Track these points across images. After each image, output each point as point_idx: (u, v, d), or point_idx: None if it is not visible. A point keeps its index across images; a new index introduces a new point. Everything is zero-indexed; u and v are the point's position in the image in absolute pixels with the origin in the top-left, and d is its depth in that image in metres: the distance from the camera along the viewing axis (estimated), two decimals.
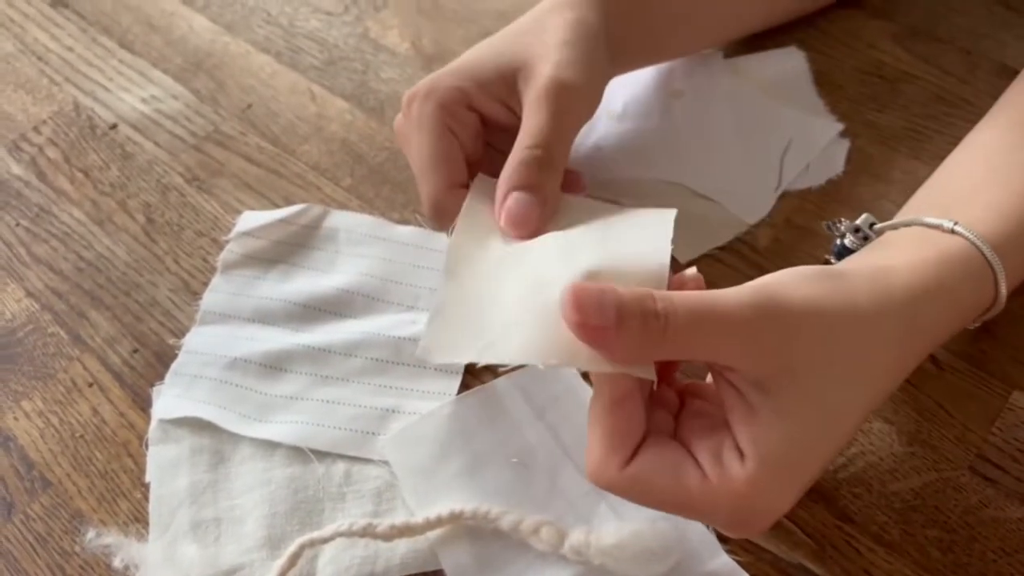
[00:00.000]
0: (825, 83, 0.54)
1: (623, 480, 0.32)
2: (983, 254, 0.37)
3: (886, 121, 0.52)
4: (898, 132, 0.52)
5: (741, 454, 0.32)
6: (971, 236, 0.38)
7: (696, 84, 0.54)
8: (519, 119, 0.41)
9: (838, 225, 0.43)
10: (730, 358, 0.32)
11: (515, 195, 0.39)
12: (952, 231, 0.38)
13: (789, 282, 0.33)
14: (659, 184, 0.50)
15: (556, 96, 0.40)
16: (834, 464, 0.40)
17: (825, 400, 0.32)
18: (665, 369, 0.36)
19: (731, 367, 0.32)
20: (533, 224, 0.39)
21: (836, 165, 0.50)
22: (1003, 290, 0.38)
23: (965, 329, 0.42)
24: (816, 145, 0.51)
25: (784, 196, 0.50)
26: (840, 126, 0.52)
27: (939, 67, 0.55)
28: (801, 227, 0.48)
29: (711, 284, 0.34)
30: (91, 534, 0.40)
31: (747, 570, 0.37)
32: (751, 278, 0.34)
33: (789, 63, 0.55)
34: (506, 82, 0.42)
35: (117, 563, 0.39)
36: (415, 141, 0.42)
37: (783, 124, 0.52)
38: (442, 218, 0.42)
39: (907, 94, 0.53)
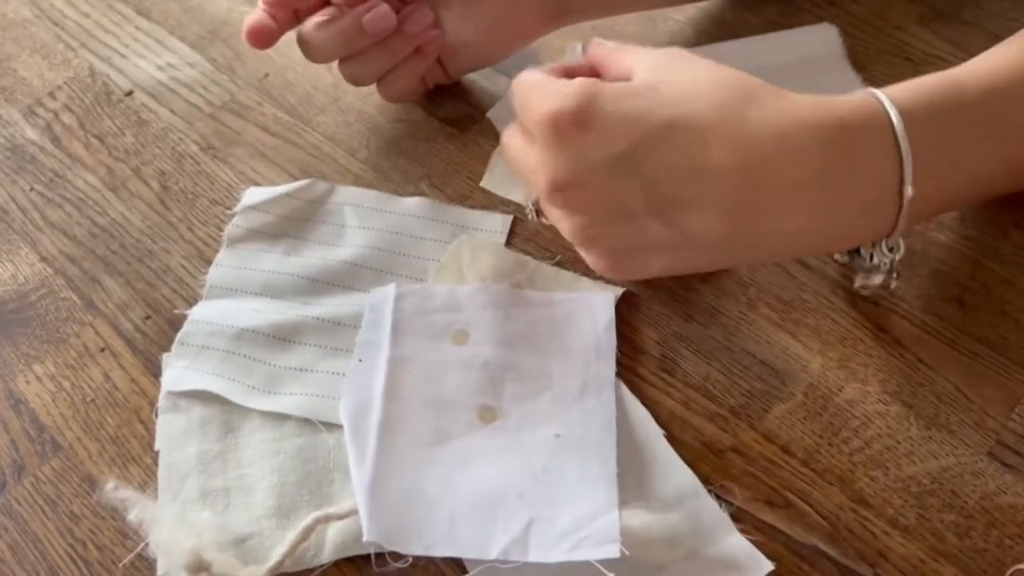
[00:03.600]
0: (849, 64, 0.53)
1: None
2: (879, 101, 0.37)
3: None
4: None
5: None
6: (874, 90, 0.37)
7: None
8: None
9: None
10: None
11: None
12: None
13: None
14: None
15: None
16: (850, 446, 0.40)
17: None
18: None
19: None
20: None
21: None
22: (904, 146, 0.36)
23: (965, 297, 0.40)
24: None
25: None
26: None
27: (966, 50, 0.54)
28: None
29: None
30: (110, 485, 0.40)
31: (761, 551, 0.37)
32: None
33: (822, 38, 0.54)
34: None
35: (132, 516, 0.39)
36: None
37: None
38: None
39: None
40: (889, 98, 0.37)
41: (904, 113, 0.36)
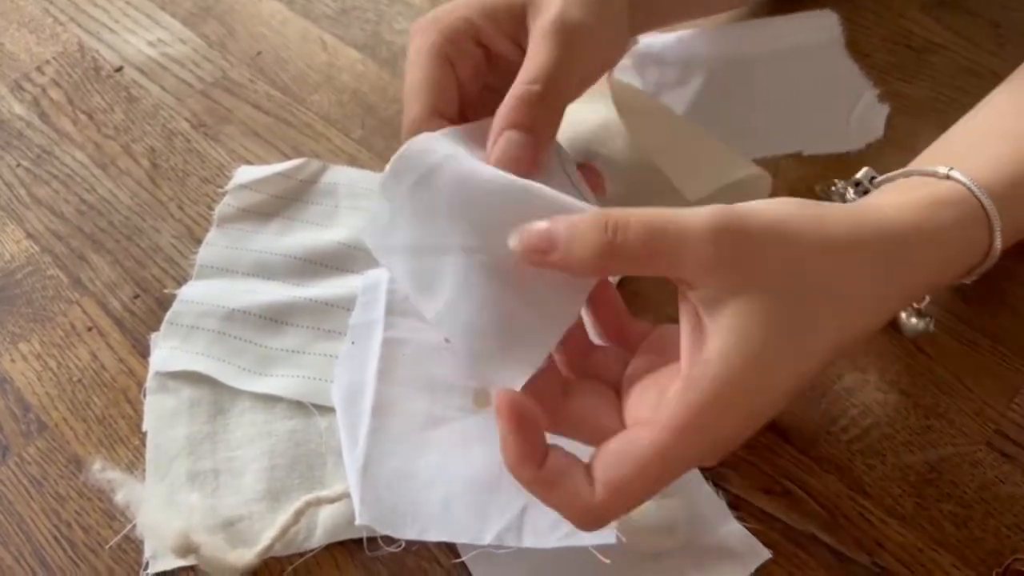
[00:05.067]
0: (852, 51, 0.53)
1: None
2: (976, 196, 0.36)
3: (912, 91, 0.51)
4: (924, 103, 0.50)
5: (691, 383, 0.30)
6: (965, 179, 0.36)
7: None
8: (523, 56, 0.39)
9: (835, 186, 0.41)
10: (685, 271, 0.31)
11: (507, 135, 0.36)
12: (947, 176, 0.37)
13: (756, 204, 0.32)
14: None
15: (560, 33, 0.38)
16: (848, 435, 0.40)
17: (786, 320, 0.30)
18: (614, 329, 0.36)
19: (689, 283, 0.31)
20: (524, 166, 0.37)
21: (876, 130, 0.49)
22: (998, 238, 0.36)
23: (966, 287, 0.39)
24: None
25: (809, 163, 0.48)
26: (876, 90, 0.51)
27: (968, 39, 0.53)
28: (824, 196, 0.47)
29: None
30: (96, 466, 0.39)
31: (758, 538, 0.37)
32: None
33: (822, 25, 0.54)
34: (515, 16, 0.40)
35: (119, 498, 0.38)
36: (409, 69, 0.40)
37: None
38: None
39: (935, 65, 0.52)
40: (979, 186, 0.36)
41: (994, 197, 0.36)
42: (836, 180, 0.41)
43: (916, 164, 0.40)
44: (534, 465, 0.31)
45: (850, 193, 0.41)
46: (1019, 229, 0.38)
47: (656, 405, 0.31)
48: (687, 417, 0.29)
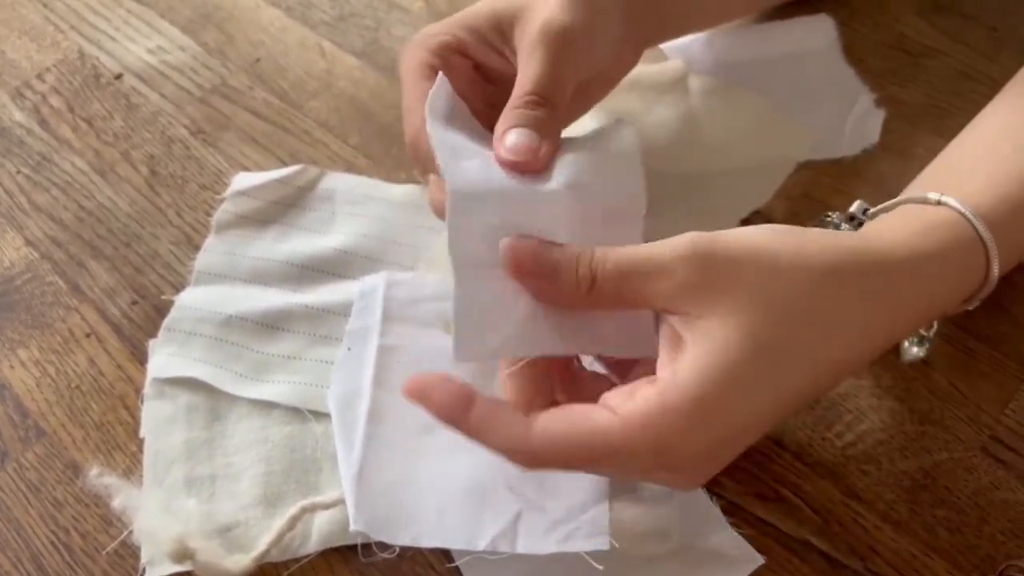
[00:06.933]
0: (848, 56, 0.53)
1: (531, 442, 0.32)
2: (971, 223, 0.36)
3: (908, 96, 0.51)
4: (920, 108, 0.50)
5: (657, 388, 0.30)
6: (958, 206, 0.36)
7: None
8: (515, 68, 0.39)
9: (830, 217, 0.42)
10: (661, 299, 0.32)
11: (515, 130, 0.36)
12: (939, 203, 0.37)
13: (735, 231, 0.33)
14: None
15: (551, 40, 0.38)
16: (843, 440, 0.40)
17: (761, 340, 0.30)
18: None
19: (667, 309, 0.32)
20: (533, 156, 0.36)
21: (871, 135, 0.49)
22: (994, 265, 0.36)
23: (966, 310, 0.39)
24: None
25: (804, 169, 0.49)
26: (873, 95, 0.51)
27: (964, 43, 0.53)
28: (819, 200, 0.47)
29: None
30: (94, 471, 0.39)
31: (751, 544, 0.37)
32: None
33: (818, 31, 0.54)
34: (500, 28, 0.40)
35: (116, 504, 0.38)
36: (403, 89, 0.41)
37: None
38: (420, 158, 0.40)
39: (931, 70, 0.52)
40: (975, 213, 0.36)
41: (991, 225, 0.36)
42: (829, 213, 0.42)
43: (910, 189, 0.39)
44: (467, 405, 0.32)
45: (844, 228, 0.41)
46: (1015, 255, 0.38)
47: (624, 400, 0.31)
48: (643, 418, 0.30)
